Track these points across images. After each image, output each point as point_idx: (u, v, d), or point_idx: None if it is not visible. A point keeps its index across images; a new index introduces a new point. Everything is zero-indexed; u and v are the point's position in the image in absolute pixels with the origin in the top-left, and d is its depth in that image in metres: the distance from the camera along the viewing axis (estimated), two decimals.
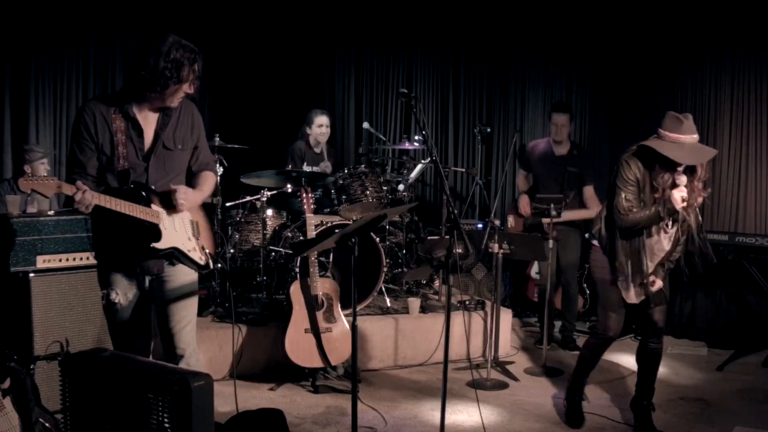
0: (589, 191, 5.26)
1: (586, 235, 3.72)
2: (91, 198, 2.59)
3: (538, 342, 5.43)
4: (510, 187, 7.10)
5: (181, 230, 2.93)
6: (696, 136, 3.34)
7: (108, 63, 5.91)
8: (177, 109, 2.93)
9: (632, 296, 3.54)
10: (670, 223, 3.48)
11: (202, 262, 3.01)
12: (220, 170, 5.04)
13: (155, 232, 2.82)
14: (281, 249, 4.87)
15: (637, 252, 3.48)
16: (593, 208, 4.97)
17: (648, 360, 3.73)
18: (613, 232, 3.52)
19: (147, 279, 2.94)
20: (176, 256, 2.91)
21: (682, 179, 3.36)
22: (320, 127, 5.74)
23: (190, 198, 2.92)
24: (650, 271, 3.52)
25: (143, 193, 2.80)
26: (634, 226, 3.42)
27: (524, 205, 5.42)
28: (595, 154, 6.52)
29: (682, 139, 3.29)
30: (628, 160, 3.42)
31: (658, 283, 3.55)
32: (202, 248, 3.03)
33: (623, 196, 3.39)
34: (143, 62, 2.72)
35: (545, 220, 5.10)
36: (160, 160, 2.89)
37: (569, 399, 3.91)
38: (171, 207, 2.89)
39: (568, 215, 5.09)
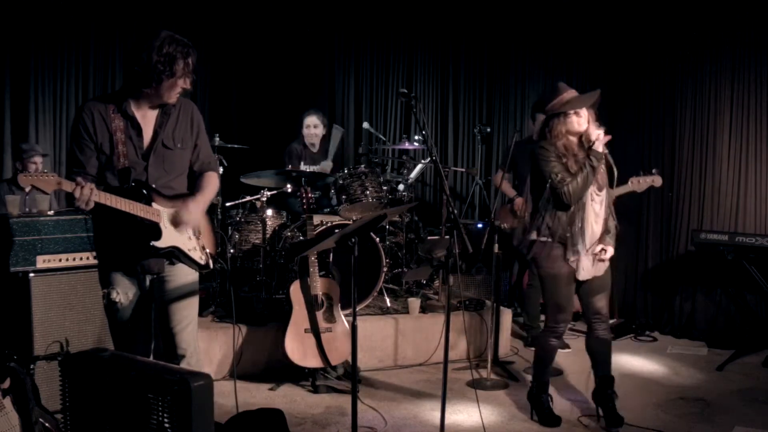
0: None
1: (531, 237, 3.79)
2: (90, 194, 2.58)
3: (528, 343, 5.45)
4: None
5: (182, 230, 2.93)
6: (573, 91, 3.64)
7: (108, 63, 5.91)
8: (176, 107, 2.93)
9: (585, 271, 3.60)
10: (597, 189, 3.61)
11: (202, 262, 3.00)
12: (219, 170, 5.04)
13: (156, 231, 2.81)
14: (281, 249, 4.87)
15: (578, 219, 3.57)
16: None
17: (599, 348, 3.78)
18: (552, 211, 3.61)
19: (147, 278, 2.93)
20: (176, 255, 2.90)
21: (591, 127, 3.58)
22: (308, 128, 5.75)
23: (193, 214, 2.91)
24: (597, 237, 3.61)
25: (144, 191, 2.80)
26: (580, 193, 3.52)
27: (522, 206, 5.31)
28: None
29: (566, 97, 3.59)
30: (542, 146, 3.62)
31: (610, 251, 3.64)
32: (203, 248, 3.03)
33: (553, 172, 3.53)
34: (137, 58, 2.73)
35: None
36: (160, 158, 2.89)
37: (538, 403, 3.87)
38: (172, 203, 2.89)
39: None
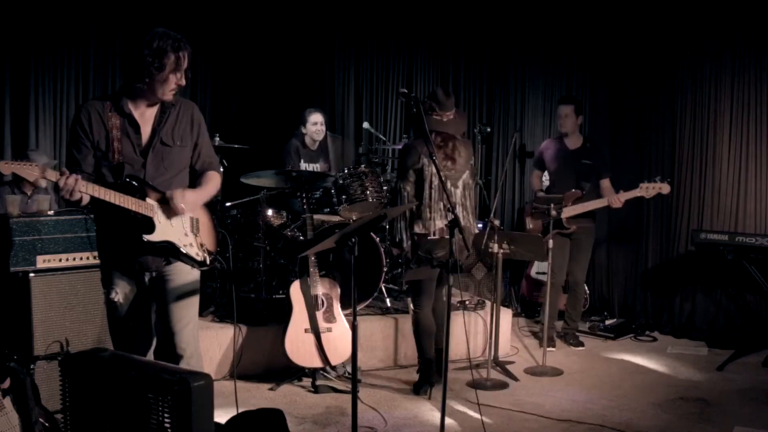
0: (606, 183, 5.27)
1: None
2: (74, 184, 2.56)
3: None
4: (510, 187, 7.11)
5: (177, 225, 2.91)
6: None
7: (108, 63, 5.91)
8: (176, 107, 2.93)
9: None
10: None
11: (199, 259, 2.97)
12: (221, 170, 5.04)
13: (149, 225, 2.80)
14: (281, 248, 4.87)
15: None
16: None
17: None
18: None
19: (147, 277, 2.93)
20: (170, 251, 2.88)
21: None
22: (315, 125, 5.80)
23: (189, 200, 2.87)
24: None
25: (137, 185, 2.80)
26: None
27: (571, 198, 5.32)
28: None
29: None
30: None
31: None
32: (201, 245, 3.01)
33: None
34: (129, 53, 2.75)
35: (569, 210, 5.06)
36: (158, 156, 2.88)
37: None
38: (170, 208, 2.87)
39: (581, 207, 5.08)
